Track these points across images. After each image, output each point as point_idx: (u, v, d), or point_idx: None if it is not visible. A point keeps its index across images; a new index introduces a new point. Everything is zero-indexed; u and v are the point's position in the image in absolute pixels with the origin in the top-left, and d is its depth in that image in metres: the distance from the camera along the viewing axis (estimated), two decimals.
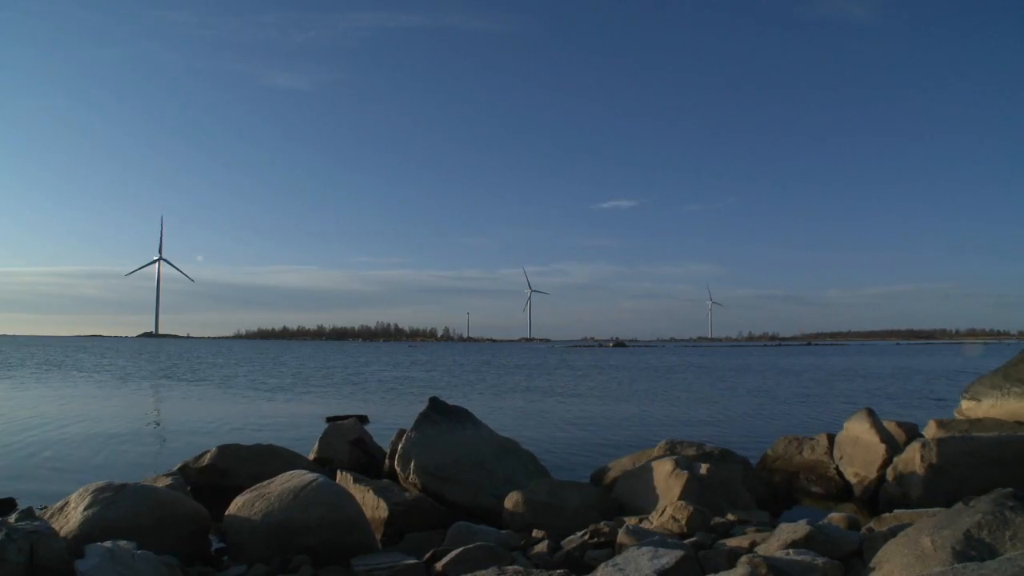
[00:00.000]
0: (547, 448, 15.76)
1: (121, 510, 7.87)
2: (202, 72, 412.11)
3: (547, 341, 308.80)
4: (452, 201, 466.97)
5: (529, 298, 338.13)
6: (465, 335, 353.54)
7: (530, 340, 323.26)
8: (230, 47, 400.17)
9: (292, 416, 24.65)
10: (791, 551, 6.16)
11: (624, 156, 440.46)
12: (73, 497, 8.33)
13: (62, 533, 7.12)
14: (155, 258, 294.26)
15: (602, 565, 6.05)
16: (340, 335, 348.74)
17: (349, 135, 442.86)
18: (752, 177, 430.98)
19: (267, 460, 11.61)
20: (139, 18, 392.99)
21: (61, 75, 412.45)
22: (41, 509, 8.38)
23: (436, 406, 11.84)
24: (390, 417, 23.24)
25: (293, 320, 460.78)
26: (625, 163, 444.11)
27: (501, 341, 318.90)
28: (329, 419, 20.15)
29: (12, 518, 6.67)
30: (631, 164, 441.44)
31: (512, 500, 9.58)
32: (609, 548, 7.44)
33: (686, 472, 9.78)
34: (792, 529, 6.72)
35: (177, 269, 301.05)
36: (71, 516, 7.95)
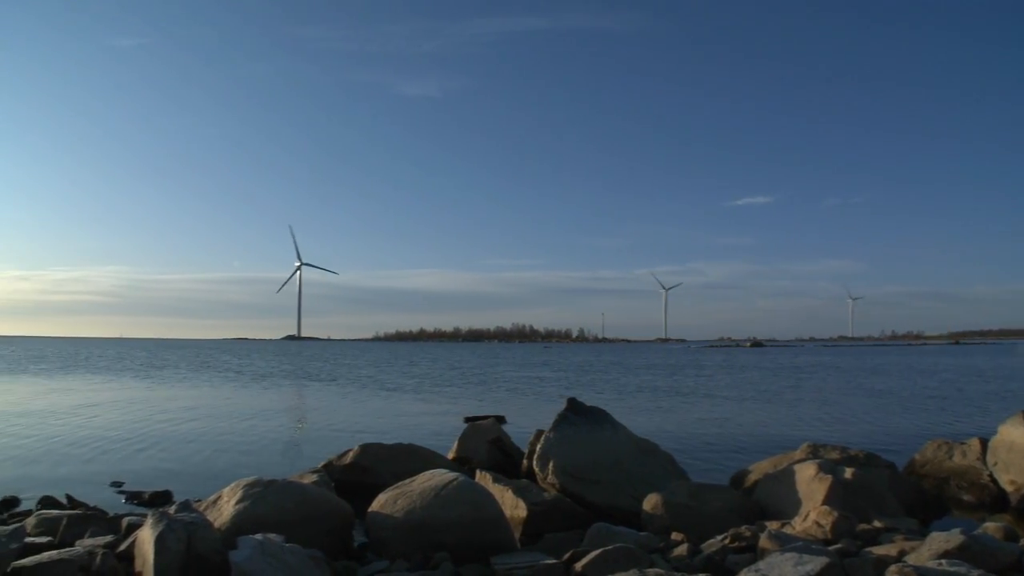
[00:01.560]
0: (683, 449, 15.56)
1: (270, 505, 8.16)
2: (337, 83, 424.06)
3: (683, 341, 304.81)
4: (585, 202, 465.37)
5: (664, 298, 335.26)
6: (600, 336, 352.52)
7: (666, 340, 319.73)
8: (362, 58, 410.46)
9: (430, 416, 25.07)
10: (943, 562, 5.92)
11: (757, 152, 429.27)
12: (225, 491, 8.70)
13: (216, 525, 7.45)
14: (296, 265, 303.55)
15: (744, 570, 5.96)
16: (476, 336, 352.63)
17: (480, 139, 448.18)
18: (891, 169, 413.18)
19: (408, 459, 11.85)
20: (279, 34, 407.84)
21: (216, 90, 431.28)
22: (196, 502, 8.75)
23: (574, 407, 11.86)
24: (527, 417, 23.36)
25: (429, 322, 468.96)
26: (758, 159, 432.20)
27: (636, 341, 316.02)
28: (467, 419, 20.42)
29: (172, 509, 7.00)
30: (764, 160, 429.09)
31: (651, 502, 9.50)
32: (750, 553, 7.30)
33: (830, 476, 9.50)
34: (944, 538, 6.45)
35: (320, 268, 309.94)
36: (224, 509, 8.29)
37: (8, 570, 6.38)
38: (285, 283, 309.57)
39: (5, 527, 7.54)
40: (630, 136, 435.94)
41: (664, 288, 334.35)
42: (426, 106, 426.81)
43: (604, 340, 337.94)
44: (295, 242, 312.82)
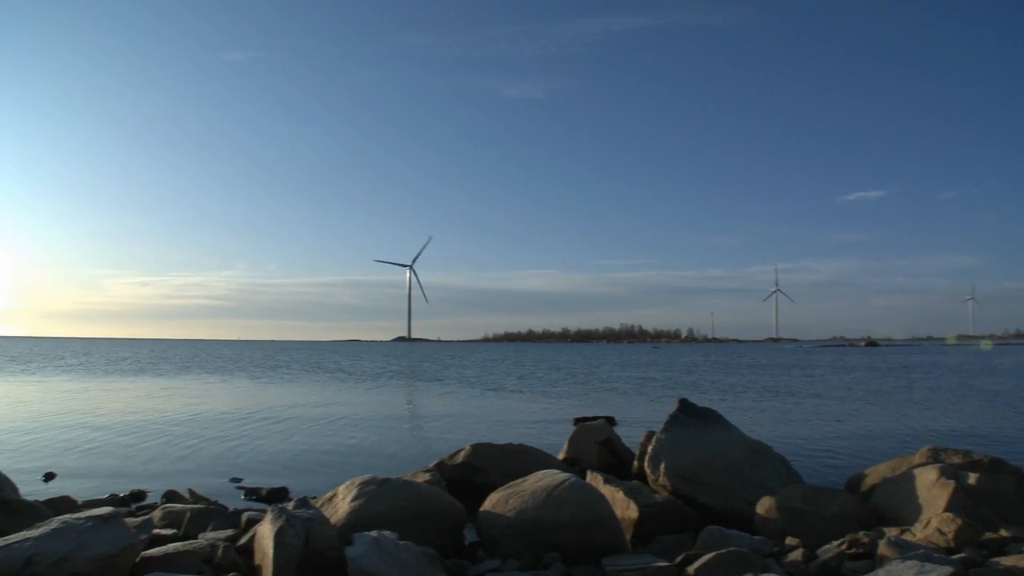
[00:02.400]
0: (794, 451, 15.21)
1: (385, 502, 8.34)
2: (443, 88, 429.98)
3: (794, 341, 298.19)
4: (693, 200, 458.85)
5: (775, 297, 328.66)
6: (709, 336, 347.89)
7: (777, 340, 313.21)
8: (466, 63, 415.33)
9: (538, 416, 25.12)
10: None
11: (869, 145, 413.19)
12: (341, 489, 8.92)
13: (332, 522, 7.65)
14: (406, 264, 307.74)
15: None
16: (584, 337, 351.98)
17: (586, 139, 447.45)
18: (1011, 159, 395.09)
19: (518, 459, 11.92)
20: (387, 42, 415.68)
21: (328, 98, 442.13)
22: (312, 499, 8.98)
23: (686, 407, 11.76)
24: (636, 418, 23.25)
25: (538, 323, 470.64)
26: (870, 152, 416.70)
27: (746, 341, 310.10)
28: (577, 420, 20.41)
29: (290, 505, 7.21)
30: (877, 153, 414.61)
31: (765, 505, 9.36)
32: (868, 560, 7.13)
33: (953, 482, 9.17)
34: None
35: (419, 283, 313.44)
36: (339, 506, 8.51)
37: (137, 559, 6.67)
38: (411, 288, 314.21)
39: (134, 519, 7.90)
40: (737, 132, 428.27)
41: (774, 286, 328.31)
42: (530, 108, 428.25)
43: (713, 340, 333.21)
44: (392, 263, 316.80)
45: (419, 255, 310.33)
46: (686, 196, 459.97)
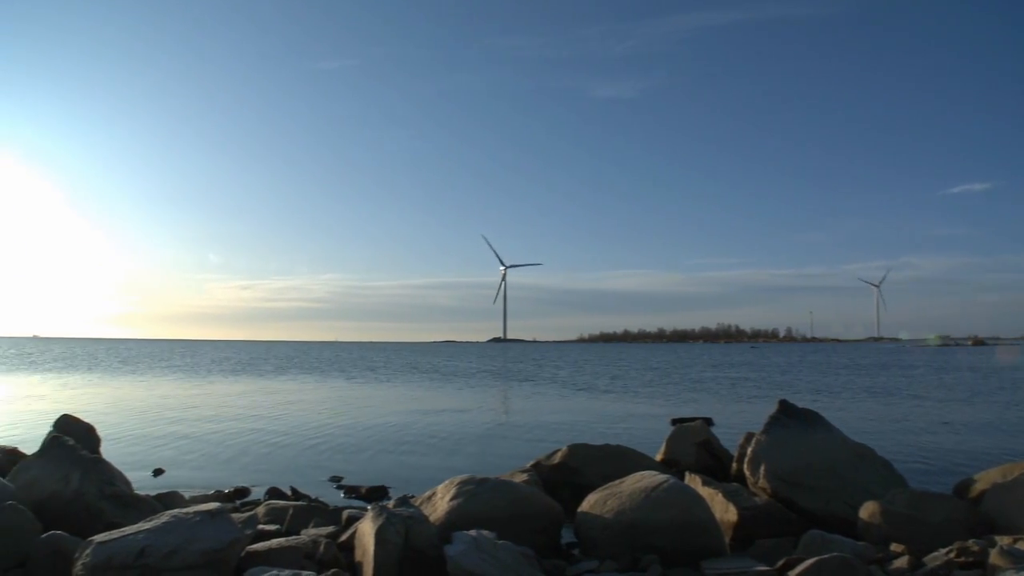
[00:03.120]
0: (898, 454, 14.78)
1: (483, 502, 8.41)
2: (536, 89, 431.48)
3: (897, 340, 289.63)
4: (789, 196, 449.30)
5: (876, 295, 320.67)
6: (808, 335, 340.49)
7: (878, 339, 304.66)
8: (558, 63, 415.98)
9: (635, 417, 25.03)
10: None
11: (972, 136, 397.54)
12: (440, 488, 9.03)
13: (431, 520, 7.74)
14: (502, 270, 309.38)
15: None
16: (680, 337, 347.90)
17: (678, 137, 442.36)
18: None
19: (616, 460, 11.85)
20: (480, 45, 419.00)
21: (423, 101, 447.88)
22: (411, 498, 9.09)
23: (786, 409, 11.54)
24: (734, 419, 22.96)
25: (633, 323, 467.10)
26: (974, 144, 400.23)
27: (847, 341, 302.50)
28: (674, 421, 20.26)
29: (391, 504, 7.33)
30: (980, 144, 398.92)
31: (868, 510, 9.12)
32: (979, 569, 6.89)
33: None
34: None
35: (523, 265, 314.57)
36: (438, 505, 8.62)
37: (243, 554, 6.86)
38: (498, 291, 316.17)
39: (240, 515, 8.14)
40: (834, 127, 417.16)
41: (875, 284, 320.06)
42: (622, 107, 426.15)
43: (813, 340, 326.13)
44: (493, 250, 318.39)
45: (519, 266, 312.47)
46: (782, 193, 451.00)
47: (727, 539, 8.78)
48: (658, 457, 13.55)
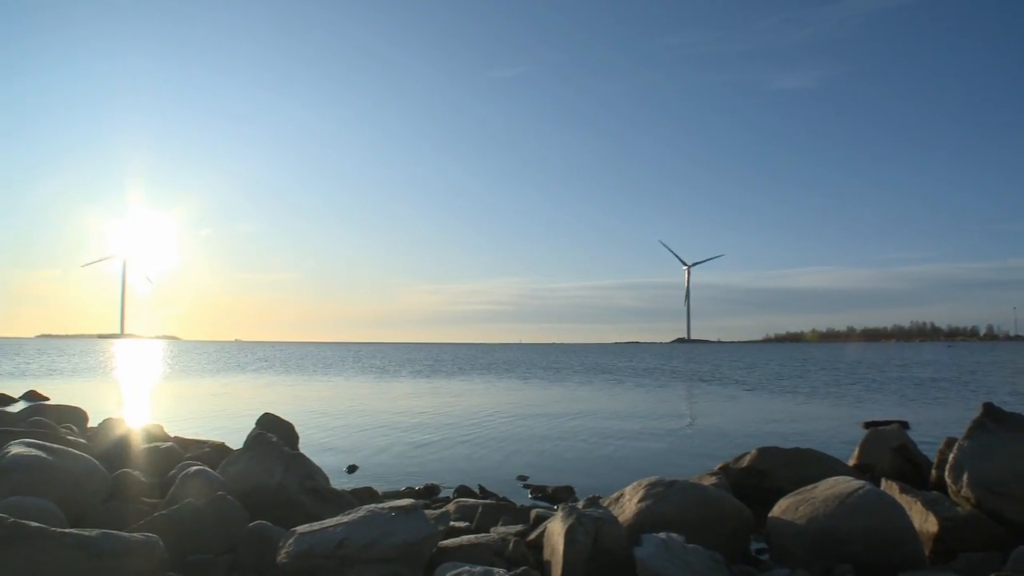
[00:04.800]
0: None
1: (671, 505, 8.35)
2: (714, 84, 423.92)
3: None
4: (986, 185, 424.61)
5: None
6: (1012, 333, 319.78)
7: None
8: (734, 57, 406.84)
9: (824, 419, 24.24)
10: None
11: None
12: (628, 489, 9.02)
13: (619, 521, 7.74)
14: (685, 269, 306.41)
15: None
16: (871, 336, 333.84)
17: (861, 127, 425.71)
18: None
19: (807, 464, 11.53)
20: (650, 45, 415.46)
21: (603, 101, 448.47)
22: (599, 499, 9.11)
23: (992, 412, 10.87)
24: (931, 423, 21.85)
25: (821, 322, 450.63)
26: None
27: None
28: (867, 424, 19.49)
29: (580, 504, 7.37)
30: None
31: None
32: None
33: None
34: None
35: (705, 260, 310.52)
36: (626, 507, 8.61)
37: (435, 549, 7.06)
38: (687, 292, 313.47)
39: (432, 511, 8.36)
40: None
41: None
42: (803, 97, 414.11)
43: (1017, 338, 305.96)
44: (673, 252, 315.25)
45: (702, 262, 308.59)
46: (980, 181, 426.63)
47: (926, 551, 8.38)
48: (851, 462, 13.08)
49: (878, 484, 9.45)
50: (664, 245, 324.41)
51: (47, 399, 27.32)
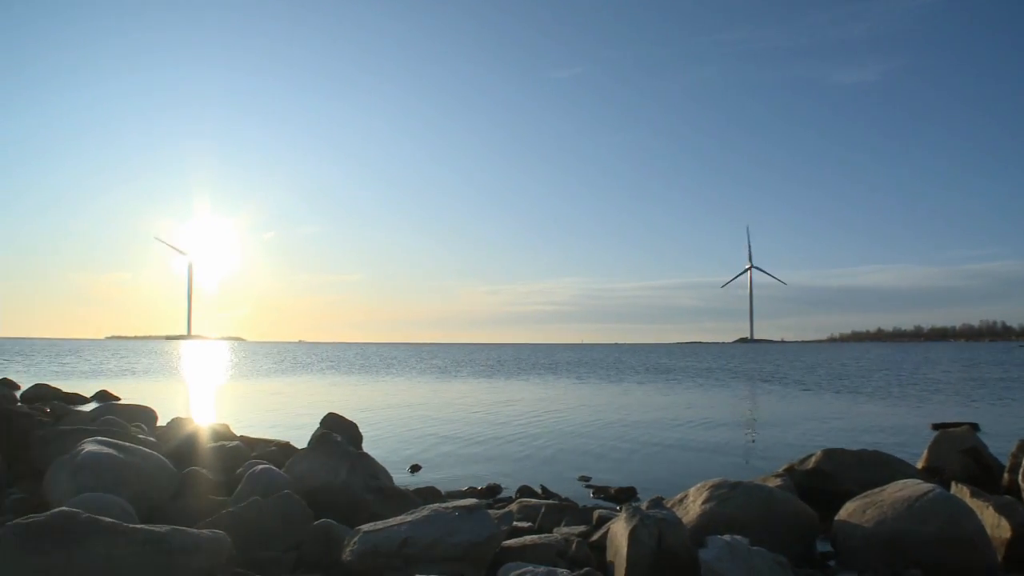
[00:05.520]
0: None
1: (735, 506, 8.31)
2: (773, 81, 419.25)
3: None
4: None
5: None
6: None
7: None
8: (794, 52, 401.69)
9: (890, 420, 23.78)
10: None
11: None
12: (692, 491, 8.99)
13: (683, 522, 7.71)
14: (746, 267, 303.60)
15: None
16: (939, 336, 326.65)
17: (926, 121, 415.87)
18: None
19: (873, 466, 11.36)
20: (711, 40, 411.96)
21: (657, 100, 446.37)
22: (663, 499, 9.07)
23: None
24: (1002, 425, 21.33)
25: (887, 321, 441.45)
26: None
27: None
28: (936, 426, 19.14)
29: (644, 505, 7.35)
30: None
31: None
32: None
33: None
34: None
35: (769, 275, 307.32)
36: (690, 508, 8.59)
37: (498, 549, 7.10)
38: (731, 280, 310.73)
39: (495, 511, 8.40)
40: None
41: None
42: (864, 92, 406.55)
43: None
44: (749, 242, 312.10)
45: (765, 272, 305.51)
46: None
47: (999, 557, 8.21)
48: (919, 464, 12.85)
49: (948, 488, 9.27)
50: (747, 233, 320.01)
51: (118, 399, 28.13)
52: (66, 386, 30.55)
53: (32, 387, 27.88)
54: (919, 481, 8.44)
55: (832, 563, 8.24)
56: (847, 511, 8.31)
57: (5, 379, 30.94)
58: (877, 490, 8.42)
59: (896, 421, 23.68)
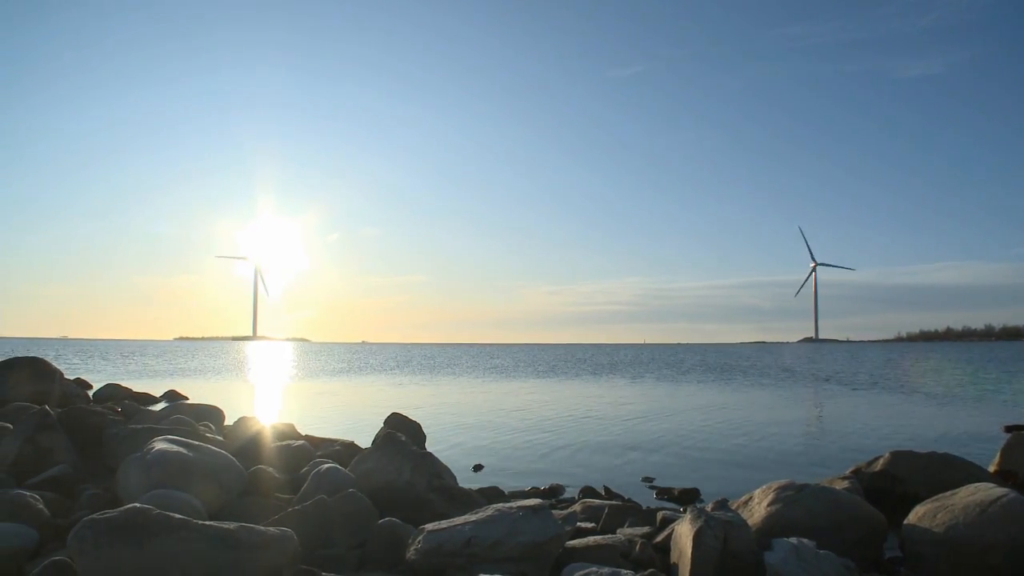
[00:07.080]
0: None
1: (802, 509, 8.21)
2: (834, 75, 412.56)
3: None
4: None
5: None
6: None
7: None
8: (855, 46, 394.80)
9: (960, 422, 23.21)
10: None
11: None
12: (757, 493, 8.90)
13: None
14: (811, 266, 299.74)
15: None
16: (1012, 335, 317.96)
17: (993, 113, 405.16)
18: None
19: (943, 469, 11.12)
20: (770, 36, 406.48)
21: (730, 96, 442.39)
22: (728, 501, 9.00)
23: None
24: None
25: (957, 320, 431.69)
26: None
27: None
28: (1008, 428, 18.68)
29: (709, 507, 7.31)
30: None
31: None
32: None
33: None
34: None
35: (835, 266, 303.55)
36: (755, 510, 8.50)
37: (561, 549, 7.12)
38: (802, 286, 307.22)
39: (558, 511, 8.42)
40: None
41: None
42: (929, 85, 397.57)
43: None
44: (807, 243, 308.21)
45: (830, 266, 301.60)
46: None
47: None
48: (991, 468, 12.55)
49: (1022, 492, 9.07)
50: (800, 232, 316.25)
51: (186, 398, 28.73)
52: (136, 386, 31.29)
53: (104, 387, 28.53)
54: (992, 485, 8.23)
55: (901, 568, 8.08)
56: (916, 515, 8.14)
57: (78, 379, 31.62)
58: (948, 494, 8.23)
59: (966, 422, 23.15)
